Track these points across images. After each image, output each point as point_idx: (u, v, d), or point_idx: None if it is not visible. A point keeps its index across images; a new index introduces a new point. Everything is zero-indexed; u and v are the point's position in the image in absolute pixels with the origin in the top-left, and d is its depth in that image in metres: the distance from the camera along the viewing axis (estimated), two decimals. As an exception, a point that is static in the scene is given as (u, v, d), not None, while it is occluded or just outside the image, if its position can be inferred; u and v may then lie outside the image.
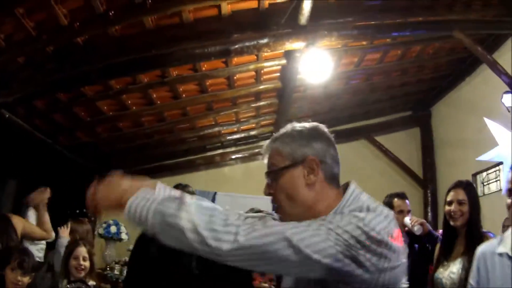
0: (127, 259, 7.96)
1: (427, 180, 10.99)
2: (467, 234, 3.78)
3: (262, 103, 9.16)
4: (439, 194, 10.25)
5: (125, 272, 7.94)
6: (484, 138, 7.58)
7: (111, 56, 5.87)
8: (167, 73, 6.94)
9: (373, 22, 6.79)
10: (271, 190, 1.97)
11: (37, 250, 5.91)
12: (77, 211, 8.50)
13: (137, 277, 4.05)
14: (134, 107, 7.81)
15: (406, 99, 11.20)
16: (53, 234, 5.91)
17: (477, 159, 7.45)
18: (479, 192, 8.50)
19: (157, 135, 9.34)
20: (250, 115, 9.86)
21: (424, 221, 4.73)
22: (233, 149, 11.09)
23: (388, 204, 5.03)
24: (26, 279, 4.12)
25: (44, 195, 5.80)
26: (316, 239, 1.58)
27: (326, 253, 1.56)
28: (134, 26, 5.64)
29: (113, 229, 8.43)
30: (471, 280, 3.02)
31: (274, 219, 1.87)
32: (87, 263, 4.79)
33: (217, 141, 10.81)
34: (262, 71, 7.92)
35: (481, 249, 3.03)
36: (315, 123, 2.03)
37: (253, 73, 7.92)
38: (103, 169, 10.13)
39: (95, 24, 5.29)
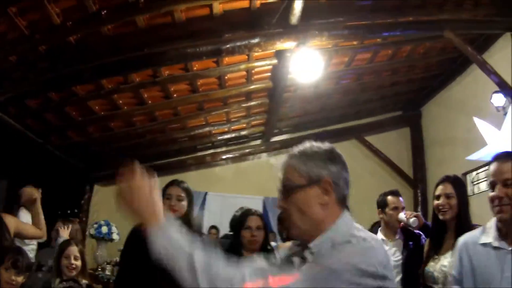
0: (118, 259, 7.97)
1: (417, 179, 11.07)
2: (456, 227, 3.79)
3: (253, 103, 9.19)
4: (429, 194, 10.27)
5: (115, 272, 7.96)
6: (474, 138, 7.62)
7: (103, 55, 5.88)
8: (159, 72, 6.95)
9: (363, 22, 6.84)
10: (284, 204, 2.00)
11: (28, 251, 5.89)
12: (68, 211, 8.50)
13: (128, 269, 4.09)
14: (125, 107, 7.81)
15: (396, 99, 11.27)
16: (46, 234, 5.90)
17: (466, 158, 7.50)
18: (469, 192, 8.59)
19: (149, 135, 9.35)
20: (241, 115, 9.87)
21: (418, 213, 4.75)
22: (223, 149, 11.11)
23: (383, 202, 5.07)
24: (20, 279, 4.10)
25: (32, 191, 5.78)
26: None
27: None
28: (127, 26, 5.65)
29: (104, 229, 8.43)
30: (453, 271, 3.03)
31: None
32: (78, 262, 4.78)
33: (208, 141, 10.83)
34: (253, 71, 7.94)
35: (463, 239, 3.04)
36: (331, 145, 2.07)
37: (244, 73, 7.94)
38: (94, 169, 10.16)
39: (87, 23, 5.30)
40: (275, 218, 6.77)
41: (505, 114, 7.07)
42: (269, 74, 8.26)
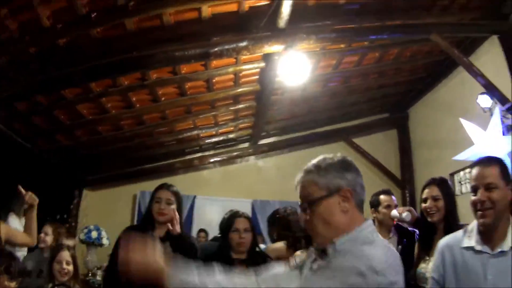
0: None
1: (405, 180, 11.18)
2: (445, 228, 3.84)
3: (240, 106, 9.20)
4: (417, 195, 10.34)
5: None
6: (461, 139, 7.70)
7: (93, 58, 5.86)
8: (147, 76, 6.95)
9: (351, 26, 6.91)
10: (307, 217, 2.13)
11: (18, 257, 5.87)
12: (57, 216, 8.46)
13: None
14: (113, 111, 7.79)
15: (383, 101, 11.35)
16: (36, 241, 5.87)
17: (453, 158, 7.56)
18: (457, 191, 8.69)
19: (137, 138, 9.32)
20: (228, 118, 9.89)
21: (411, 208, 4.79)
22: (211, 152, 11.10)
23: (375, 201, 5.12)
24: (13, 285, 4.09)
25: (34, 196, 5.75)
26: None
27: None
28: (116, 28, 5.65)
29: (94, 234, 8.39)
30: (433, 274, 3.07)
31: None
32: (70, 267, 4.78)
33: (196, 145, 10.83)
34: (240, 74, 7.96)
35: (444, 242, 3.07)
36: (343, 155, 2.22)
37: (232, 76, 7.95)
38: (82, 173, 10.13)
39: (77, 25, 5.30)
40: (264, 220, 6.78)
41: (492, 115, 7.15)
42: (257, 77, 8.28)
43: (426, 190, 4.07)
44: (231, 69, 7.59)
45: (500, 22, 7.55)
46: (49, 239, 6.04)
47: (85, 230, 8.53)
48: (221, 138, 10.80)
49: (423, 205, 4.03)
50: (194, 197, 10.71)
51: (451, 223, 3.84)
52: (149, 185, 4.20)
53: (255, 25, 6.28)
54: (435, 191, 4.00)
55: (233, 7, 6.05)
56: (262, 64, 7.66)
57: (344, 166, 2.15)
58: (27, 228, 5.13)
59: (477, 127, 7.21)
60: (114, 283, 4.20)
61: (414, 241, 4.47)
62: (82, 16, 5.12)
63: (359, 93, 10.40)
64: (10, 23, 4.92)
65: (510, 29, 7.43)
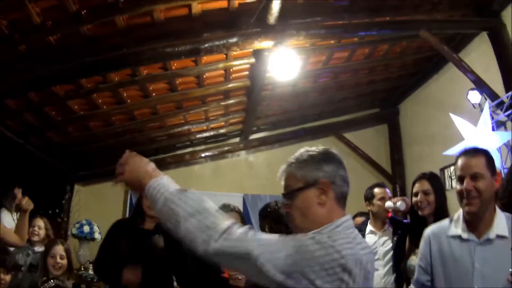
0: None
1: (395, 175, 11.22)
2: (435, 222, 3.91)
3: (231, 101, 9.23)
4: (407, 190, 10.38)
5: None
6: (451, 134, 7.74)
7: (83, 55, 5.88)
8: (138, 72, 6.97)
9: (340, 22, 6.95)
10: (287, 208, 2.13)
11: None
12: (50, 212, 8.47)
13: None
14: (104, 106, 7.80)
15: (373, 96, 11.42)
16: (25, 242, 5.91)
17: (443, 153, 7.60)
18: (447, 186, 8.80)
19: (128, 134, 9.33)
20: (219, 113, 9.91)
21: (405, 197, 4.85)
22: (202, 147, 11.12)
23: (369, 194, 5.20)
24: (8, 277, 4.14)
25: (30, 201, 5.79)
26: (277, 255, 1.82)
27: (280, 268, 1.80)
28: (106, 25, 5.67)
29: (86, 228, 8.42)
30: (420, 262, 3.12)
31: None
32: (64, 261, 4.84)
33: (187, 140, 10.85)
34: (231, 70, 8.00)
35: (431, 230, 3.13)
36: (325, 147, 2.20)
37: (222, 71, 7.98)
38: (74, 169, 10.13)
39: (67, 23, 5.31)
40: (255, 214, 6.81)
41: (481, 110, 7.19)
42: (247, 73, 8.32)
43: (417, 185, 4.14)
44: (221, 65, 7.62)
45: (490, 19, 7.61)
46: (42, 232, 6.08)
47: (77, 225, 8.56)
48: (212, 133, 10.82)
49: (414, 199, 4.11)
50: (186, 191, 10.72)
51: (441, 217, 3.90)
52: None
53: (245, 22, 6.31)
54: (426, 185, 4.08)
55: (223, 4, 6.09)
56: (252, 60, 7.68)
57: (324, 158, 2.13)
58: (18, 230, 5.17)
59: (467, 123, 7.26)
60: (103, 271, 4.28)
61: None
62: (72, 14, 5.13)
63: (349, 88, 10.44)
64: (0, 21, 4.94)
65: (499, 26, 7.49)
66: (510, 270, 2.47)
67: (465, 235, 2.86)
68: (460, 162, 2.94)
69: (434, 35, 7.39)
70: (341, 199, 2.13)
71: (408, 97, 11.24)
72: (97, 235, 8.41)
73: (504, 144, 6.82)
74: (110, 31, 5.78)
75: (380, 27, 7.20)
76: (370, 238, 5.14)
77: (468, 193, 2.82)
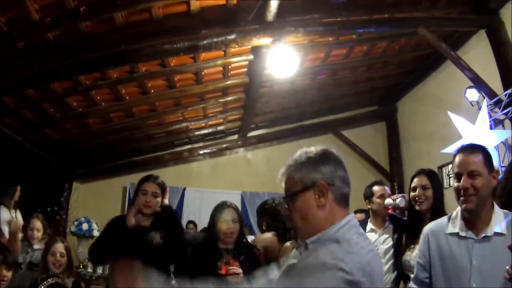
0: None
1: (393, 173, 11.23)
2: (431, 218, 3.92)
3: (229, 98, 9.24)
4: (405, 187, 10.39)
5: (98, 269, 7.96)
6: (449, 132, 7.75)
7: (81, 52, 5.87)
8: (136, 68, 6.98)
9: (338, 19, 6.96)
10: (288, 211, 2.11)
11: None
12: (48, 209, 8.47)
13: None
14: (103, 103, 7.82)
15: (371, 94, 11.43)
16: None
17: (441, 151, 7.61)
18: (445, 184, 8.80)
19: (126, 131, 9.34)
20: (217, 110, 9.92)
21: (404, 194, 4.85)
22: (201, 144, 11.14)
23: (369, 192, 5.19)
24: (10, 274, 4.15)
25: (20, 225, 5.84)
26: None
27: None
28: (105, 22, 5.67)
29: (84, 226, 8.41)
30: (419, 259, 3.13)
31: None
32: (64, 259, 4.84)
33: (185, 137, 10.86)
34: (229, 67, 8.00)
35: (429, 228, 3.13)
36: (323, 147, 2.14)
37: (221, 68, 7.99)
38: (72, 166, 10.14)
39: (66, 20, 5.32)
40: (254, 212, 6.83)
41: (479, 108, 7.20)
42: (245, 69, 8.33)
43: (416, 179, 4.15)
44: (219, 62, 7.63)
45: (488, 17, 7.61)
46: (40, 234, 6.11)
47: (76, 223, 8.55)
48: (210, 130, 10.82)
49: (412, 193, 4.11)
50: (184, 189, 10.75)
51: (438, 213, 3.91)
52: (139, 177, 4.27)
53: (243, 19, 6.31)
54: (424, 180, 4.08)
55: (221, 1, 6.11)
56: (251, 57, 7.69)
57: (322, 159, 2.07)
58: (12, 248, 5.25)
59: (465, 121, 7.26)
60: (98, 258, 4.34)
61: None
62: (71, 10, 5.15)
63: (347, 86, 10.46)
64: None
65: (498, 24, 7.49)
66: (507, 267, 2.48)
67: (463, 233, 2.86)
68: (457, 159, 2.94)
69: (432, 32, 7.40)
70: (342, 200, 2.06)
71: (407, 95, 11.25)
72: (95, 233, 8.39)
73: (502, 142, 6.83)
74: (109, 28, 5.79)
75: (378, 24, 7.22)
76: (370, 236, 5.13)
77: (465, 190, 2.82)
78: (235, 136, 11.34)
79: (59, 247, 4.85)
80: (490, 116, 7.10)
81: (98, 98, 7.62)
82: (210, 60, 7.48)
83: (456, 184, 2.90)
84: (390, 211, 5.03)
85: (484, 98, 7.44)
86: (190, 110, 9.33)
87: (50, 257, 4.76)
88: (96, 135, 9.16)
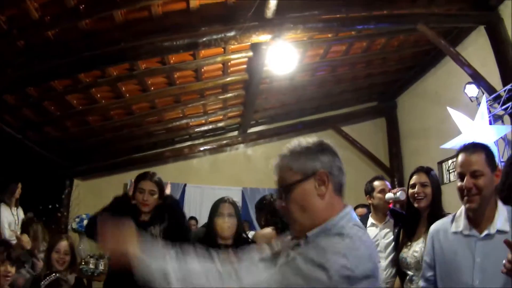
0: (101, 252, 8.00)
1: (393, 169, 11.24)
2: (429, 215, 3.96)
3: (229, 95, 9.26)
4: (405, 183, 10.39)
5: (99, 265, 7.99)
6: (448, 128, 7.77)
7: (81, 50, 5.89)
8: (136, 66, 6.99)
9: (338, 15, 6.95)
10: (283, 203, 2.03)
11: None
12: (49, 206, 8.50)
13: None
14: (103, 101, 7.83)
15: (371, 90, 11.45)
16: None
17: (440, 147, 7.63)
18: (445, 180, 8.81)
19: (126, 128, 9.36)
20: (217, 107, 9.94)
21: (404, 188, 4.87)
22: (201, 141, 11.17)
23: (369, 187, 5.22)
24: (13, 270, 4.18)
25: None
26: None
27: None
28: (104, 20, 5.68)
29: (86, 223, 8.44)
30: (426, 257, 3.17)
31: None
32: (68, 257, 4.88)
33: (185, 133, 10.88)
34: (229, 63, 8.02)
35: (434, 227, 3.17)
36: (319, 139, 2.11)
37: (220, 65, 8.01)
38: (73, 164, 10.16)
39: (65, 18, 5.32)
40: (254, 208, 6.84)
41: (478, 104, 7.21)
42: (245, 66, 8.35)
43: (415, 176, 4.17)
44: (219, 59, 7.63)
45: (487, 13, 7.62)
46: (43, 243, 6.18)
47: (77, 219, 8.58)
48: (210, 126, 10.84)
49: (411, 190, 4.13)
50: (184, 185, 10.77)
51: (436, 211, 3.94)
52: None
53: (242, 15, 6.31)
54: (424, 177, 4.11)
55: (220, -2, 6.11)
56: (250, 54, 7.70)
57: (320, 148, 2.05)
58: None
59: (465, 116, 7.28)
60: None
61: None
62: (71, 9, 5.15)
63: (347, 82, 10.46)
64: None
65: (497, 20, 7.50)
66: (504, 261, 2.50)
67: (466, 231, 2.89)
68: (460, 158, 2.96)
69: (431, 28, 7.41)
70: (339, 189, 2.05)
71: (406, 91, 11.27)
72: (97, 229, 8.40)
73: (501, 137, 6.85)
74: (108, 26, 5.79)
75: (378, 21, 7.22)
76: (371, 231, 5.16)
77: (468, 190, 2.84)
78: (235, 133, 11.36)
79: (64, 244, 4.89)
80: (490, 111, 7.12)
81: (98, 96, 7.63)
82: (210, 57, 7.48)
83: (459, 184, 2.92)
84: (391, 206, 5.07)
85: (483, 93, 7.44)
86: (190, 107, 9.34)
87: (54, 254, 4.80)
88: (96, 133, 9.18)
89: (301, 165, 2.00)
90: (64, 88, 7.06)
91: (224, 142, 11.17)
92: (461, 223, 2.94)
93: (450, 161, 9.07)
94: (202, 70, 7.84)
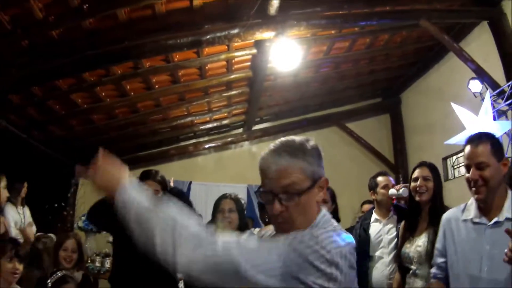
0: (107, 250, 8.02)
1: (398, 165, 11.25)
2: (430, 210, 3.99)
3: (233, 92, 9.27)
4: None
5: (106, 263, 8.00)
6: (453, 123, 7.76)
7: (85, 49, 5.91)
8: (140, 64, 7.01)
9: (340, 12, 6.97)
10: (283, 208, 1.90)
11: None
12: (55, 205, 8.53)
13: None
14: (107, 99, 7.86)
15: (375, 86, 11.46)
16: None
17: (445, 143, 7.62)
18: (450, 176, 8.82)
19: (131, 126, 9.38)
20: (222, 105, 9.96)
21: (407, 184, 4.89)
22: (206, 138, 11.17)
23: (373, 183, 5.24)
24: (21, 267, 4.20)
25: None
26: (267, 264, 1.72)
27: (271, 273, 1.70)
28: (108, 19, 5.70)
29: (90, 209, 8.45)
30: (437, 244, 3.24)
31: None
32: (75, 255, 4.92)
33: (190, 131, 10.89)
34: (233, 61, 8.02)
35: (446, 216, 3.24)
36: (309, 139, 2.02)
37: (224, 63, 8.02)
38: (78, 162, 10.18)
39: (69, 17, 5.34)
40: (258, 205, 6.87)
41: (482, 100, 7.21)
42: (249, 63, 8.37)
43: (417, 170, 4.21)
44: (223, 56, 7.65)
45: (490, 8, 7.62)
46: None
47: (83, 218, 8.58)
48: (215, 124, 10.86)
49: (413, 184, 4.16)
50: (190, 183, 10.78)
51: (437, 205, 3.97)
52: (144, 173, 4.36)
53: (245, 13, 6.32)
54: (426, 171, 4.15)
55: (224, -5, 6.12)
56: (254, 51, 7.71)
57: (320, 152, 2.00)
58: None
59: (469, 112, 7.27)
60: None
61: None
62: (74, 8, 5.16)
63: (350, 78, 10.49)
64: (2, 16, 4.97)
65: (499, 15, 7.49)
66: (506, 250, 2.53)
67: (476, 219, 2.96)
68: (466, 150, 3.01)
69: (434, 24, 7.41)
70: None
71: (410, 87, 11.27)
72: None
73: (505, 133, 6.84)
74: (112, 25, 5.81)
75: (380, 17, 7.24)
76: (375, 226, 5.20)
77: (475, 182, 2.90)
78: (240, 130, 11.37)
79: (72, 243, 4.93)
80: (493, 107, 7.10)
81: (103, 94, 7.66)
82: (214, 54, 7.50)
83: (466, 175, 3.00)
84: (394, 202, 5.09)
85: (487, 89, 7.43)
86: (195, 105, 9.35)
87: (62, 252, 4.84)
88: (101, 131, 9.20)
89: (313, 171, 1.93)
90: (68, 87, 7.09)
91: (229, 139, 11.19)
92: (471, 211, 3.00)
93: (454, 157, 9.09)
94: (206, 67, 7.86)
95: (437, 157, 8.90)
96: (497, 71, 7.35)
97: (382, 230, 5.13)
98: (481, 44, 8.05)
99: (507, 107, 7.04)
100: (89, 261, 8.17)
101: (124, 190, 1.88)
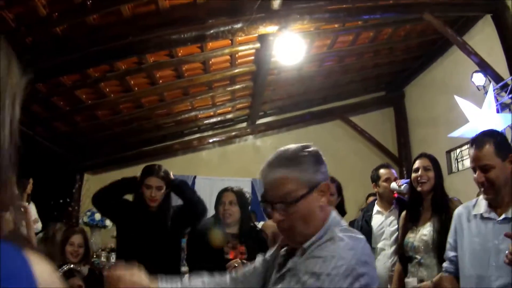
0: (112, 245, 8.06)
1: (402, 158, 11.26)
2: (432, 199, 4.01)
3: (237, 86, 9.28)
4: (413, 172, 10.44)
5: (111, 258, 8.05)
6: (456, 116, 7.77)
7: (89, 45, 5.92)
8: (144, 59, 7.02)
9: (344, 6, 6.96)
10: (282, 216, 1.94)
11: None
12: (61, 201, 8.55)
13: None
14: (112, 95, 7.88)
15: (378, 80, 11.46)
16: None
17: (448, 135, 7.63)
18: (453, 169, 8.83)
19: (135, 121, 9.41)
20: (226, 99, 9.97)
21: (408, 180, 4.90)
22: (210, 133, 11.20)
23: (375, 175, 5.26)
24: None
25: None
26: None
27: None
28: (111, 15, 5.71)
29: (97, 216, 8.47)
30: (449, 239, 3.28)
31: None
32: (82, 249, 4.96)
33: (194, 126, 10.92)
34: (236, 55, 8.04)
35: (457, 211, 3.28)
36: (313, 146, 2.05)
37: (228, 57, 8.03)
38: (83, 158, 10.21)
39: (73, 14, 5.35)
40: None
41: (486, 93, 7.21)
42: (252, 58, 8.36)
43: (418, 161, 4.24)
44: (227, 51, 7.66)
45: (494, 1, 7.60)
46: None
47: (88, 213, 8.63)
48: (219, 118, 10.89)
49: (414, 174, 4.18)
50: (194, 177, 10.81)
51: (439, 195, 3.99)
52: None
53: (249, 7, 6.34)
54: (427, 162, 4.17)
55: (227, -10, 6.13)
56: (258, 45, 7.71)
57: (319, 159, 2.01)
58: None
59: (472, 105, 7.28)
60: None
61: None
62: (78, 4, 5.18)
63: (354, 72, 10.49)
64: (7, 14, 4.98)
65: (503, 8, 7.48)
66: (507, 252, 2.56)
67: (486, 214, 3.00)
68: (470, 152, 3.06)
69: (437, 18, 7.40)
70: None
71: (413, 80, 11.27)
72: (108, 223, 8.45)
73: (508, 126, 6.85)
74: (116, 20, 5.82)
75: (384, 10, 7.22)
76: (377, 218, 5.23)
77: (482, 184, 2.93)
78: (244, 124, 11.40)
79: (78, 237, 4.97)
80: (497, 100, 7.11)
81: (107, 90, 7.68)
82: (217, 49, 7.51)
83: (473, 176, 3.02)
84: (396, 195, 5.11)
85: (490, 82, 7.43)
86: (199, 99, 9.37)
87: (68, 247, 4.88)
88: (106, 127, 9.23)
89: (308, 177, 1.94)
90: (72, 83, 7.11)
91: (233, 133, 11.20)
92: (482, 206, 3.05)
93: (458, 150, 9.10)
94: (210, 62, 7.87)
95: (441, 150, 8.92)
96: (500, 65, 7.35)
97: (384, 222, 5.16)
98: (484, 37, 8.05)
99: (510, 100, 7.05)
100: (94, 256, 8.21)
101: None
